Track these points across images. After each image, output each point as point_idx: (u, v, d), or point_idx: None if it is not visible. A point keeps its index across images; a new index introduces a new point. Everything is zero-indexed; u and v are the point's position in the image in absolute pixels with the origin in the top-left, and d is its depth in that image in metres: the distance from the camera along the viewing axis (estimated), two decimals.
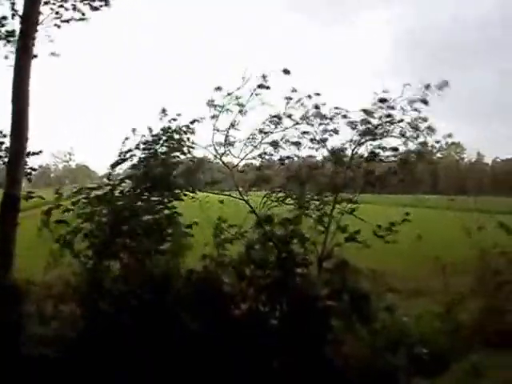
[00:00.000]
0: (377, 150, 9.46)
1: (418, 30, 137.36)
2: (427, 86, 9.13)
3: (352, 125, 9.35)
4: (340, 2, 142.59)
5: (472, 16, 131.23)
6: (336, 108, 9.37)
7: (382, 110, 9.32)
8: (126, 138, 9.49)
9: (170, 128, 9.55)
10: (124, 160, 9.57)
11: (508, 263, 9.72)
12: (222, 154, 9.44)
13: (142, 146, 9.50)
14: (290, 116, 9.35)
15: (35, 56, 10.30)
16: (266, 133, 9.39)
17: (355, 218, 8.98)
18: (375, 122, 9.35)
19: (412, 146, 9.52)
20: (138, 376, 7.50)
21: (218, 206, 9.27)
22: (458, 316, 9.37)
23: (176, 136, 9.56)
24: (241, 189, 9.33)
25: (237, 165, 9.60)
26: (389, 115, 9.31)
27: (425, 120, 9.33)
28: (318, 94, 9.33)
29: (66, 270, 8.88)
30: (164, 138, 9.53)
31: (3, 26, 10.85)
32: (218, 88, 9.23)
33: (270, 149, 9.48)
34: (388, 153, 9.52)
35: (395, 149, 9.46)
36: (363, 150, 9.57)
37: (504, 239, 9.70)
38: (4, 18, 10.80)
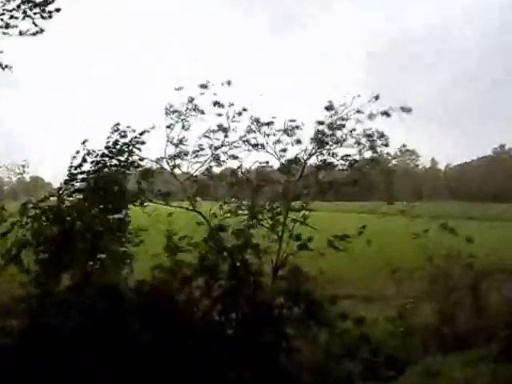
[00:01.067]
0: (328, 159, 9.66)
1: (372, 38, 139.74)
2: (376, 97, 9.39)
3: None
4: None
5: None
6: (291, 121, 9.59)
7: (331, 119, 9.53)
8: (77, 152, 9.47)
9: (118, 142, 9.57)
10: (74, 175, 9.48)
11: (458, 267, 9.98)
12: (174, 167, 9.53)
13: (91, 160, 9.45)
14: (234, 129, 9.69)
15: None
16: (216, 148, 9.54)
17: (306, 227, 9.11)
18: (327, 131, 9.56)
19: (366, 154, 9.74)
20: None
21: (167, 218, 9.29)
22: (411, 320, 9.53)
23: (126, 149, 9.56)
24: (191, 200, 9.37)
25: (189, 177, 9.68)
26: (340, 125, 9.52)
27: (380, 133, 9.59)
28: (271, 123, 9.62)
29: (11, 284, 8.76)
30: (113, 150, 9.52)
31: None
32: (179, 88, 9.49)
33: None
34: (341, 161, 9.72)
35: (347, 155, 9.67)
36: (316, 160, 9.78)
37: (451, 242, 9.95)
38: None
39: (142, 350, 7.70)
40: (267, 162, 9.96)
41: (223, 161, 9.80)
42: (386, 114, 9.47)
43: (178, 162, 9.72)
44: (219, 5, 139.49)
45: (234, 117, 9.57)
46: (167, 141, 9.64)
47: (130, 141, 9.61)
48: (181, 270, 8.69)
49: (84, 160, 9.48)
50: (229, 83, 9.45)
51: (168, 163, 9.71)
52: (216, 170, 10.05)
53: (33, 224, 8.99)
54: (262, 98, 9.55)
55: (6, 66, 10.94)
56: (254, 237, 9.09)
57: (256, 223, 9.29)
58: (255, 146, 9.72)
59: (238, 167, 9.91)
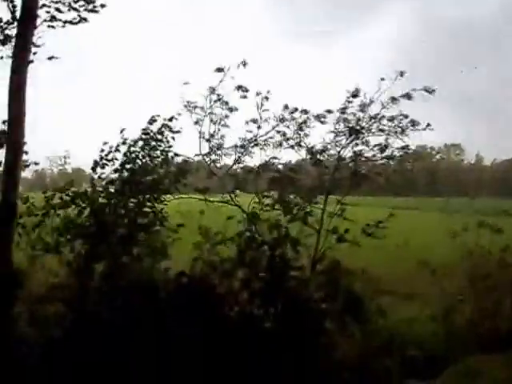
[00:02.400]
0: (363, 149, 9.68)
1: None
2: (401, 74, 9.35)
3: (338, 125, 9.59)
4: None
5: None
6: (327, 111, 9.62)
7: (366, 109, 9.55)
8: (105, 143, 9.85)
9: (150, 132, 9.89)
10: (104, 164, 9.86)
11: (496, 266, 9.93)
12: (211, 162, 9.69)
13: (124, 150, 9.80)
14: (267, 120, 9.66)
15: (31, 61, 10.40)
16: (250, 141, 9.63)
17: (343, 220, 9.19)
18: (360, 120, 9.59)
19: (396, 143, 9.70)
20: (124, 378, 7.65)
21: (201, 212, 9.52)
22: (451, 318, 9.54)
23: (158, 137, 9.88)
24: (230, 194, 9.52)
25: (230, 168, 9.84)
26: (376, 115, 9.54)
27: (406, 116, 9.54)
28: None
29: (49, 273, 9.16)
30: (145, 142, 9.86)
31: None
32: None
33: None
34: (373, 152, 9.74)
35: (383, 146, 9.65)
36: (347, 151, 9.82)
37: (491, 240, 9.90)
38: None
39: (180, 340, 7.95)
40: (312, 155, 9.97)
41: (260, 148, 9.87)
42: (407, 96, 9.44)
43: (213, 157, 9.84)
44: None
45: (262, 105, 9.62)
46: (199, 137, 9.77)
47: (161, 128, 9.90)
48: (220, 263, 8.89)
49: (117, 149, 9.85)
50: (244, 64, 9.36)
51: (204, 159, 9.84)
52: (250, 162, 10.14)
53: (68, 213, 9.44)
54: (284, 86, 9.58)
55: (52, 58, 11.24)
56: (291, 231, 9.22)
57: (293, 218, 9.38)
58: (287, 139, 9.78)
59: (273, 158, 9.98)
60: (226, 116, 9.63)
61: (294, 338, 8.34)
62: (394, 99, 9.47)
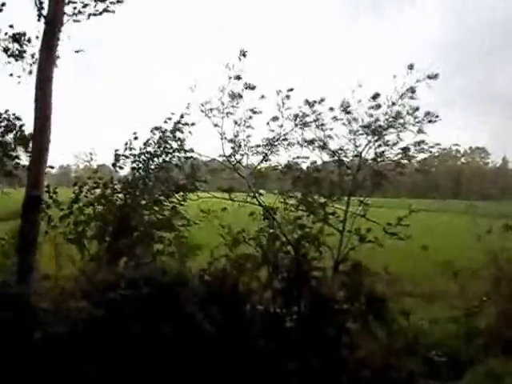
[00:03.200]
0: (382, 149, 9.75)
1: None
2: (411, 67, 9.41)
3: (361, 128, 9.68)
4: None
5: None
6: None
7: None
8: (126, 144, 10.23)
9: (168, 130, 10.25)
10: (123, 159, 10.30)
11: None
12: (236, 163, 9.85)
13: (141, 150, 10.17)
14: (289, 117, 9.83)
15: (58, 57, 10.65)
16: (272, 140, 9.74)
17: (365, 221, 9.28)
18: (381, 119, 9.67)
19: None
20: (146, 372, 7.82)
21: (222, 211, 9.74)
22: (474, 321, 9.56)
23: (178, 135, 10.23)
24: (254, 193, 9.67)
25: (254, 168, 9.97)
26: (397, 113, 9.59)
27: (416, 109, 9.57)
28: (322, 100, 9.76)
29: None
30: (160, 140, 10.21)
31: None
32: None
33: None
34: (394, 151, 9.80)
35: (405, 147, 9.69)
36: (369, 151, 9.90)
37: None
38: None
39: (204, 338, 8.06)
40: (332, 156, 10.07)
41: (285, 148, 10.02)
42: (411, 90, 9.51)
43: (237, 157, 9.99)
44: None
45: (283, 104, 9.75)
46: (221, 138, 9.93)
47: (176, 125, 10.21)
48: (243, 261, 9.04)
49: (131, 147, 10.22)
50: (244, 55, 9.52)
51: (228, 160, 10.00)
52: (273, 160, 10.26)
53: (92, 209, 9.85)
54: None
55: (78, 51, 11.51)
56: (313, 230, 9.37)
57: (317, 218, 9.48)
58: (311, 141, 9.90)
59: (297, 158, 10.12)
60: (250, 117, 9.78)
61: (316, 338, 8.46)
62: (412, 90, 9.51)
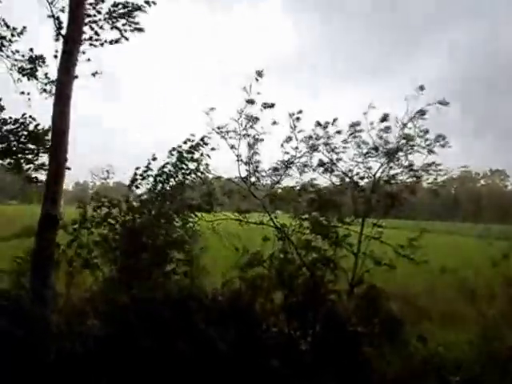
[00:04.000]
0: (394, 172, 9.81)
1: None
2: (421, 88, 9.46)
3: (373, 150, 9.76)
4: None
5: None
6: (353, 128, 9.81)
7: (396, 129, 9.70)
8: (146, 167, 10.35)
9: (183, 152, 10.38)
10: (139, 181, 10.43)
11: None
12: (251, 185, 9.97)
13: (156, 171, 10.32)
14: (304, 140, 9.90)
15: (76, 77, 10.89)
16: (287, 162, 9.87)
17: (381, 243, 9.30)
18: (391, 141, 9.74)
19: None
20: None
21: (237, 232, 9.78)
22: (491, 344, 9.50)
23: (194, 156, 10.38)
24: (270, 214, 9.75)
25: (269, 191, 10.08)
26: (407, 135, 9.67)
27: (426, 132, 9.64)
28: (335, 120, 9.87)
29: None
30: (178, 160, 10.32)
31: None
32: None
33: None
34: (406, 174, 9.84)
35: (412, 169, 9.75)
36: (380, 172, 9.95)
37: None
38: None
39: (216, 357, 8.11)
40: (342, 180, 10.16)
41: (299, 170, 10.11)
42: (421, 112, 9.56)
43: (252, 179, 10.10)
44: None
45: (295, 127, 9.87)
46: (237, 160, 10.06)
47: (193, 147, 10.33)
48: (258, 282, 9.10)
49: (148, 167, 10.30)
50: (260, 75, 9.63)
51: (244, 181, 10.11)
52: (288, 181, 10.37)
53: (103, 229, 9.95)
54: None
55: (96, 73, 11.77)
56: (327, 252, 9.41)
57: (331, 241, 9.54)
58: (324, 165, 10.00)
59: (312, 180, 10.21)
60: (261, 140, 9.94)
61: (331, 361, 8.47)
62: (422, 113, 9.60)
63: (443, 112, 9.48)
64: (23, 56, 12.43)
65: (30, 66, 12.46)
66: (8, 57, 12.50)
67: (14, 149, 12.17)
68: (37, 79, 12.44)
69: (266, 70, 9.55)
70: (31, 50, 12.35)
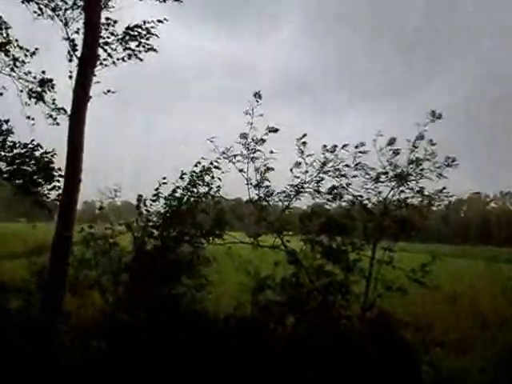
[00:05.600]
0: (404, 195, 9.90)
1: None
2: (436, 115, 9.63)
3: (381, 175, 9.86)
4: None
5: None
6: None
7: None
8: (157, 190, 10.45)
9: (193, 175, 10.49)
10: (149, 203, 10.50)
11: None
12: (261, 208, 10.06)
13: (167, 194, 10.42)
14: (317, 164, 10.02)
15: (90, 97, 11.06)
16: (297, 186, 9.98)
17: (391, 268, 9.34)
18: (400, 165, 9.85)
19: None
20: None
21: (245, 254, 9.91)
22: (506, 372, 9.48)
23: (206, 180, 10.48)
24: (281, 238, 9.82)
25: (281, 213, 10.16)
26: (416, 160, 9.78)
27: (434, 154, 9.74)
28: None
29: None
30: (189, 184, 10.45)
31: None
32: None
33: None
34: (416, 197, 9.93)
35: (423, 194, 9.83)
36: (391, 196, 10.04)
37: None
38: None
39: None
40: (353, 203, 10.24)
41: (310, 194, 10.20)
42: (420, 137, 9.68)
43: (263, 203, 10.19)
44: None
45: (303, 152, 10.00)
46: (246, 184, 10.17)
47: (204, 170, 10.45)
48: (269, 307, 9.14)
49: (157, 195, 10.40)
50: (259, 96, 9.83)
51: (254, 205, 10.20)
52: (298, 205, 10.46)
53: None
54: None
55: (109, 91, 11.94)
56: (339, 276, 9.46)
57: (342, 266, 9.58)
58: (334, 189, 10.11)
59: (323, 203, 10.29)
60: (271, 169, 10.07)
61: None
62: (421, 137, 9.75)
63: (453, 134, 9.64)
64: (35, 78, 12.63)
65: (40, 89, 12.65)
66: (20, 78, 12.71)
67: (23, 171, 12.31)
68: (44, 103, 12.61)
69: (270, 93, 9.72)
70: (43, 72, 12.55)
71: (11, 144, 11.91)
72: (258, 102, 9.79)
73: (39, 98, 12.64)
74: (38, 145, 12.00)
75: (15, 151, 11.92)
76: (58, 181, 11.46)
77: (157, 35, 11.96)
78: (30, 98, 12.67)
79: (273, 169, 10.05)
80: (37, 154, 12.06)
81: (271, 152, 9.89)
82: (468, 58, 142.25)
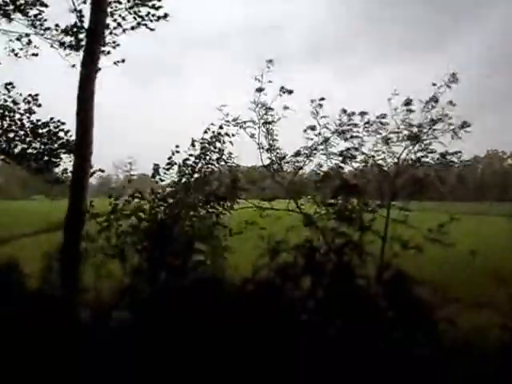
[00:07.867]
0: (419, 154, 9.87)
1: None
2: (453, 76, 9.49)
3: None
4: None
5: None
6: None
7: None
8: (170, 159, 10.46)
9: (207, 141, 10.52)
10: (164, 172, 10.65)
11: None
12: (275, 171, 10.10)
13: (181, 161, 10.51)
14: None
15: (99, 69, 11.04)
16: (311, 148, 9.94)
17: (407, 227, 9.36)
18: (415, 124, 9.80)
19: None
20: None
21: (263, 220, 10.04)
22: None
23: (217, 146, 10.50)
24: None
25: (294, 176, 10.19)
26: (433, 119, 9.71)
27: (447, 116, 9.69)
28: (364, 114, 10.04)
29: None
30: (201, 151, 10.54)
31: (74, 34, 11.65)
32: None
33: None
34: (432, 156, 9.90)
35: (443, 154, 9.79)
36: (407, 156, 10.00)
37: None
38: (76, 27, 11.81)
39: (246, 346, 8.30)
40: (366, 162, 10.23)
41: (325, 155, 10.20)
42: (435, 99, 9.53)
43: (275, 166, 10.22)
44: None
45: (317, 112, 9.95)
46: (258, 148, 10.16)
47: (215, 136, 10.53)
48: (286, 269, 9.24)
49: (171, 163, 10.44)
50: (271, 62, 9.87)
51: (267, 169, 10.23)
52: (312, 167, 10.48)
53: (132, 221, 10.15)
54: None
55: (119, 62, 11.92)
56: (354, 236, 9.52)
57: (357, 227, 9.63)
58: (348, 150, 10.07)
59: (337, 166, 10.28)
60: (278, 119, 10.02)
61: (361, 348, 8.59)
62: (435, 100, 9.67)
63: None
64: (57, 25, 12.37)
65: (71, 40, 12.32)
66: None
67: (40, 151, 12.38)
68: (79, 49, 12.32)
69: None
70: (57, 25, 12.37)
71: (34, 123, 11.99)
72: (269, 68, 9.77)
73: (76, 47, 12.45)
74: (59, 121, 12.06)
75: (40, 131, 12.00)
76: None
77: None
78: (64, 49, 12.56)
79: (279, 118, 10.01)
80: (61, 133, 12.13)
81: (285, 108, 9.87)
82: None
